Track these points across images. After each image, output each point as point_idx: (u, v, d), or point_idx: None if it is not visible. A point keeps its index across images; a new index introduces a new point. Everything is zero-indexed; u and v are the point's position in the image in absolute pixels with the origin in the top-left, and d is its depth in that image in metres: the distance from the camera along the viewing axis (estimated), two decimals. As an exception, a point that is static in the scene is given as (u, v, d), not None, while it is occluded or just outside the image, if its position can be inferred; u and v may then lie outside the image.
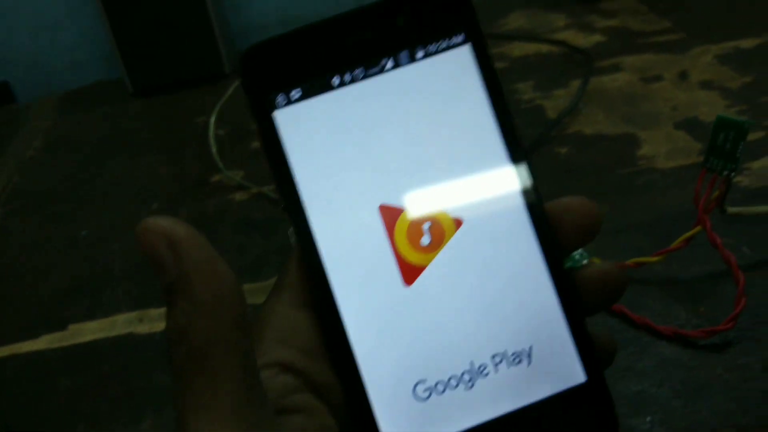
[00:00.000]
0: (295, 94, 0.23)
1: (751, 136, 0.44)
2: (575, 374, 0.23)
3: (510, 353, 0.23)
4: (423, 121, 0.23)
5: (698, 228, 0.33)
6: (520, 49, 0.61)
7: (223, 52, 0.64)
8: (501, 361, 0.23)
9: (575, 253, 0.37)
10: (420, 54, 0.23)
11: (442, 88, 0.23)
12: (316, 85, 0.23)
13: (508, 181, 0.23)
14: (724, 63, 0.54)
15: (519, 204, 0.23)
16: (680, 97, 0.50)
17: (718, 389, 0.29)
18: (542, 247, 0.23)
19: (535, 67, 0.58)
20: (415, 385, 0.22)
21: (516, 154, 0.23)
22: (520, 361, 0.23)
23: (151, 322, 0.37)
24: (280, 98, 0.23)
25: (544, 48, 0.60)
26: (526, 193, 0.23)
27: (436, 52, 0.23)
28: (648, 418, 0.28)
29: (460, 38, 0.23)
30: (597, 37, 0.61)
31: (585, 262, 0.36)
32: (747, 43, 0.56)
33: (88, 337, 0.37)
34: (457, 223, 0.23)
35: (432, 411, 0.22)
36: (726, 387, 0.29)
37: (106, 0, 0.59)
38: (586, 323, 0.23)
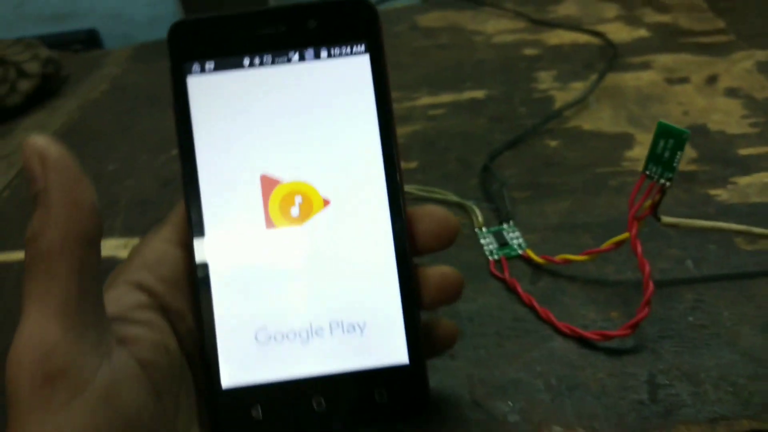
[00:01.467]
0: (209, 66, 0.27)
1: (754, 150, 0.42)
2: (400, 355, 0.25)
3: (346, 323, 0.25)
4: (313, 111, 0.27)
5: (627, 234, 0.33)
6: (558, 37, 0.60)
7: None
8: (337, 328, 0.25)
9: (513, 243, 0.37)
10: (324, 54, 0.27)
11: (337, 86, 0.27)
12: (228, 62, 0.27)
13: (377, 179, 0.26)
14: (764, 71, 0.50)
15: (383, 200, 0.26)
16: (697, 102, 0.48)
17: (591, 392, 0.29)
18: (395, 241, 0.26)
19: (564, 57, 0.57)
20: (258, 329, 0.25)
21: (388, 159, 0.26)
22: (354, 332, 0.25)
23: (135, 251, 0.43)
24: (195, 66, 0.27)
25: (582, 38, 0.59)
26: (392, 193, 0.26)
27: (339, 55, 0.27)
28: (510, 403, 0.29)
29: (361, 48, 0.27)
30: (641, 32, 0.59)
31: (521, 252, 0.37)
32: (799, 52, 0.52)
33: (81, 257, 0.43)
34: (326, 202, 0.26)
35: (267, 355, 0.25)
36: (601, 391, 0.29)
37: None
38: (418, 314, 0.25)
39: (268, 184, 0.26)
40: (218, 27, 0.27)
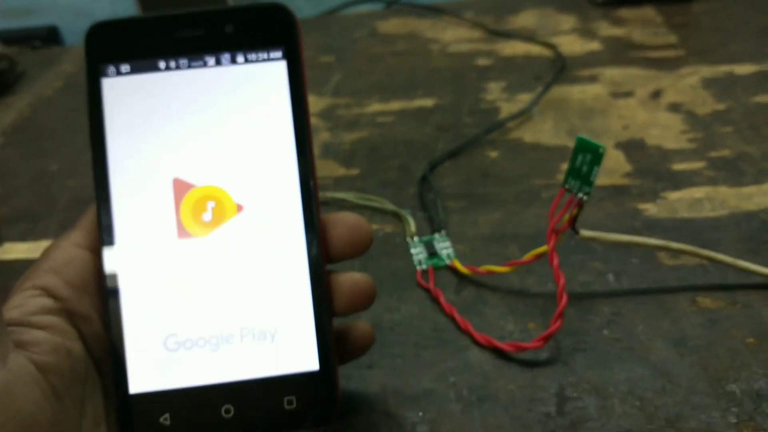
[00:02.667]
0: (125, 68, 0.26)
1: (688, 165, 0.43)
2: (310, 362, 0.25)
3: (257, 330, 0.25)
4: (228, 115, 0.27)
5: (546, 247, 0.33)
6: (511, 48, 0.60)
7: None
8: (247, 335, 0.25)
9: (443, 253, 0.38)
10: (240, 59, 0.27)
11: (253, 91, 0.27)
12: (144, 65, 0.26)
13: (291, 185, 0.26)
14: (708, 87, 0.51)
15: (296, 206, 0.26)
16: (638, 117, 0.48)
17: (502, 403, 0.29)
18: (308, 248, 0.26)
19: (515, 68, 0.57)
20: (168, 336, 0.25)
21: (303, 166, 0.26)
22: (264, 339, 0.25)
23: (69, 252, 0.42)
24: (111, 68, 0.26)
25: (535, 50, 0.59)
26: (306, 200, 0.26)
27: (255, 60, 0.27)
28: (420, 414, 0.29)
29: (278, 54, 0.27)
30: (594, 45, 0.59)
31: (448, 262, 0.37)
32: (743, 69, 0.53)
33: (14, 256, 0.43)
34: (239, 208, 0.26)
35: (176, 361, 0.25)
36: (511, 403, 0.29)
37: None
38: (330, 321, 0.25)
39: (181, 188, 0.26)
40: (135, 29, 0.27)
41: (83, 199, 0.46)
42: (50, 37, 0.77)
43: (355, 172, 0.46)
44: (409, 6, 0.73)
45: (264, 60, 0.27)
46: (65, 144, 0.54)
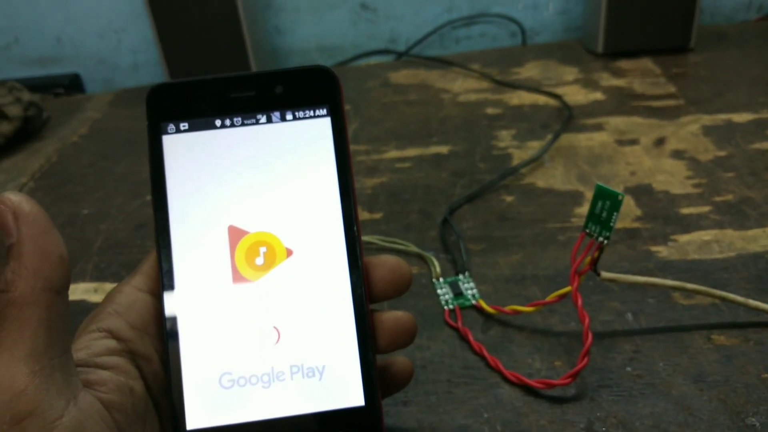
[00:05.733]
0: (184, 126, 0.29)
1: (694, 209, 0.45)
2: (356, 398, 0.27)
3: (306, 367, 0.27)
4: (279, 168, 0.29)
5: (569, 287, 0.35)
6: (519, 97, 0.63)
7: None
8: (297, 372, 0.27)
9: (468, 293, 0.39)
10: (289, 116, 0.29)
11: (301, 145, 0.29)
12: (201, 123, 0.29)
13: (336, 230, 0.28)
14: (708, 134, 0.54)
15: (342, 250, 0.28)
16: (644, 163, 0.51)
17: (533, 436, 0.31)
18: (352, 289, 0.27)
19: (523, 117, 0.60)
20: (223, 374, 0.27)
21: (347, 213, 0.28)
22: (312, 376, 0.27)
23: (104, 293, 0.44)
24: (171, 126, 0.29)
25: (541, 99, 0.63)
26: (350, 244, 0.28)
27: (302, 118, 0.29)
28: (457, 449, 0.31)
29: (323, 111, 0.29)
30: (597, 95, 0.62)
31: (474, 302, 0.39)
32: (740, 117, 0.56)
33: (51, 299, 0.44)
34: (289, 252, 0.28)
35: (231, 398, 0.27)
36: (542, 436, 0.31)
37: (158, 18, 0.68)
38: (374, 358, 0.27)
39: (236, 234, 0.28)
40: (193, 91, 0.29)
41: (117, 242, 0.48)
42: (72, 84, 0.79)
43: (378, 215, 0.48)
44: (418, 58, 0.76)
45: (310, 117, 0.29)
46: (95, 189, 0.56)
